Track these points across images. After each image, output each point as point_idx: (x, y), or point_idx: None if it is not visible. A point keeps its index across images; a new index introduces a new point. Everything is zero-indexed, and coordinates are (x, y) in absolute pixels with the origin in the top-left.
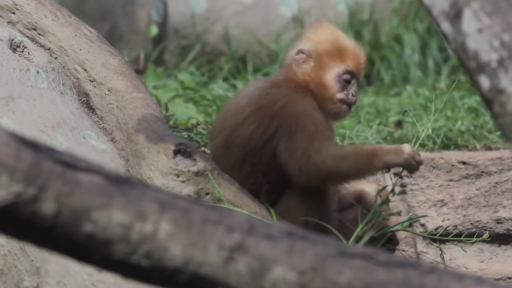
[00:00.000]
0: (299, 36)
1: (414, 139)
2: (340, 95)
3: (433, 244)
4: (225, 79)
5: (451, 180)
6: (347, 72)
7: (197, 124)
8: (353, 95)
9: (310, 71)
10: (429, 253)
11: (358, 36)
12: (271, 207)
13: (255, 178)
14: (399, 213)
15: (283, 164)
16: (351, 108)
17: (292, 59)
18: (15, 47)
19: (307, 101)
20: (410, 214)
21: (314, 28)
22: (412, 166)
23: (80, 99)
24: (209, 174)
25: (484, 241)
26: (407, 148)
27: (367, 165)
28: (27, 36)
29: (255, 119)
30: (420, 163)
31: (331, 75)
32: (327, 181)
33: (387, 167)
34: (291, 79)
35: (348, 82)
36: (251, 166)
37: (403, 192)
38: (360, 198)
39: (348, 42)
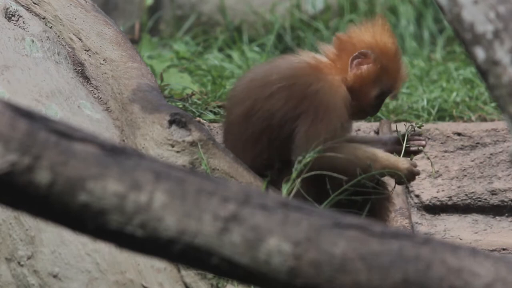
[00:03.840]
0: (360, 26)
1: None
2: (371, 109)
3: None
4: (220, 49)
5: (446, 151)
6: (389, 91)
7: (192, 94)
8: (378, 110)
9: (364, 76)
10: (424, 224)
11: (353, 6)
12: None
13: (269, 154)
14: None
15: (294, 145)
16: None
17: (344, 48)
18: (10, 16)
19: (341, 93)
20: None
21: (376, 28)
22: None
23: (75, 69)
24: (203, 145)
25: (478, 212)
26: (405, 163)
27: (365, 166)
28: (22, 5)
29: (283, 96)
30: (416, 174)
31: (377, 90)
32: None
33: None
34: (333, 64)
35: (383, 97)
36: (267, 141)
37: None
38: None
39: (402, 62)
